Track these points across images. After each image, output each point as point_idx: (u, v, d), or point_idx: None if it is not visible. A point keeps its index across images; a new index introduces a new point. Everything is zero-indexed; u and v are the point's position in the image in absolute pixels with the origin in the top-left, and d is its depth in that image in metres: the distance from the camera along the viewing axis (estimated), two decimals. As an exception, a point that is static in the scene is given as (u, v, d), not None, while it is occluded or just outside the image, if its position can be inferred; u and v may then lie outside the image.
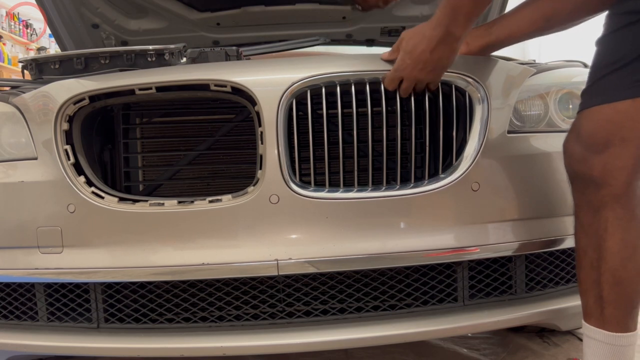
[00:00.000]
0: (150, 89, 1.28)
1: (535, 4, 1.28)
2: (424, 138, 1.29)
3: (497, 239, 1.30)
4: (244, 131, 1.46)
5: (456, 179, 1.26)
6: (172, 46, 1.43)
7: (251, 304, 1.32)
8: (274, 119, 1.23)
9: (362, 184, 1.27)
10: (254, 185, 1.24)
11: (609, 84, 1.06)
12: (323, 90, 1.26)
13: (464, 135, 1.29)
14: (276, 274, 1.23)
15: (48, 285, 1.34)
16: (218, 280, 1.30)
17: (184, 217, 1.25)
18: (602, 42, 1.10)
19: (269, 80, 1.26)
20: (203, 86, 1.28)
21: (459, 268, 1.33)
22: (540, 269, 1.40)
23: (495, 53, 1.38)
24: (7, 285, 1.36)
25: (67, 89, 1.28)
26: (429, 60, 1.20)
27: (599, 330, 1.11)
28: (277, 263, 1.23)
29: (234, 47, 1.48)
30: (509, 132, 1.32)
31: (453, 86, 1.28)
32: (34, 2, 2.11)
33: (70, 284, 1.32)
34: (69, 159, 1.28)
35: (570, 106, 1.42)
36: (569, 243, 1.36)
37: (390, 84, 1.25)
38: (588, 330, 1.14)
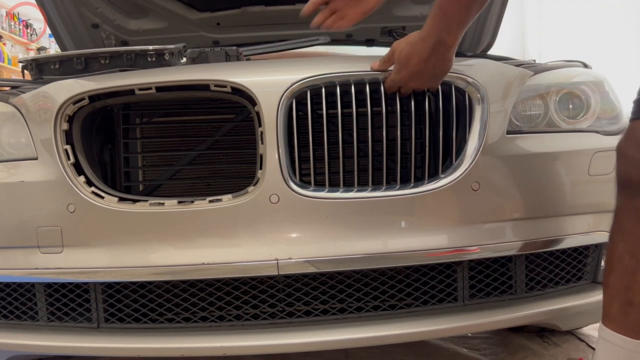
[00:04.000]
0: (150, 89, 1.28)
1: None
2: (423, 138, 1.29)
3: (497, 239, 1.30)
4: (244, 131, 1.46)
5: (456, 178, 1.26)
6: (172, 46, 1.43)
7: (251, 304, 1.32)
8: (274, 119, 1.23)
9: (362, 184, 1.27)
10: (254, 185, 1.24)
11: None
12: (323, 90, 1.26)
13: (463, 135, 1.29)
14: (276, 273, 1.23)
15: (48, 285, 1.34)
16: (218, 280, 1.30)
17: (184, 217, 1.25)
18: None
19: (269, 81, 1.26)
20: (203, 86, 1.28)
21: (459, 268, 1.33)
22: (540, 269, 1.40)
23: (495, 53, 1.38)
24: (7, 285, 1.36)
25: (66, 89, 1.28)
26: (423, 71, 1.21)
27: (619, 336, 1.09)
28: (277, 263, 1.22)
29: (234, 47, 1.48)
30: (509, 132, 1.32)
31: (453, 86, 1.28)
32: (34, 2, 2.11)
33: (70, 283, 1.32)
34: (68, 159, 1.28)
35: (571, 106, 1.42)
36: (569, 243, 1.37)
37: (388, 91, 1.27)
38: (606, 334, 1.11)
